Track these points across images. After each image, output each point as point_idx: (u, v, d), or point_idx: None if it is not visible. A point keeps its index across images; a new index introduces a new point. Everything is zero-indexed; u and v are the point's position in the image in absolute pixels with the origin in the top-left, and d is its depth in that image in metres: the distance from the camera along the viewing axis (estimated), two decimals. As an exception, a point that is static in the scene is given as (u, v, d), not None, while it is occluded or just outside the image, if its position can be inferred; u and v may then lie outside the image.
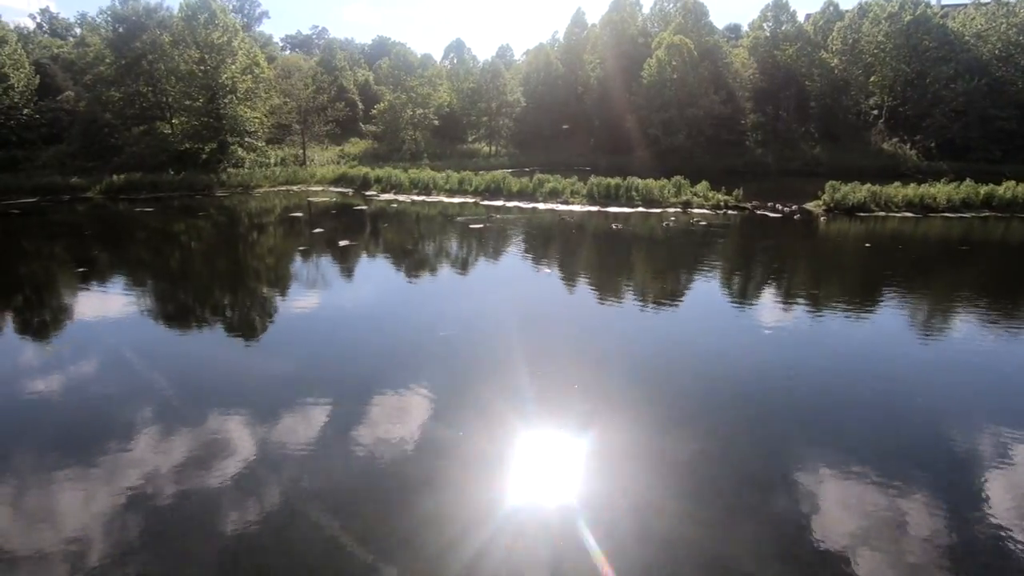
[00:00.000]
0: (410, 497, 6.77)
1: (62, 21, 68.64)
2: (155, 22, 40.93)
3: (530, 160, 49.28)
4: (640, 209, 27.36)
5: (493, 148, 55.03)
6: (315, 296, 15.43)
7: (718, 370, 10.46)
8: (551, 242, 22.30)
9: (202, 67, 38.44)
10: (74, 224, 26.60)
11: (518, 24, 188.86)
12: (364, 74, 65.03)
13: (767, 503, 6.77)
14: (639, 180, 28.98)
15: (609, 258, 20.24)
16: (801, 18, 56.15)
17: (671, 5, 55.53)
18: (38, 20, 68.59)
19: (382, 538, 6.12)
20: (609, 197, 28.48)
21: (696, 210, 27.21)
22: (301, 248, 21.69)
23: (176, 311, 14.69)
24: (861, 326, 12.71)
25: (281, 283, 17.22)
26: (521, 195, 30.24)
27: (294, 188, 37.00)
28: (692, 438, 8.14)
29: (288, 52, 77.78)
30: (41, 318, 14.06)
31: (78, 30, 59.60)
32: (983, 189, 26.94)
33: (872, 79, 51.88)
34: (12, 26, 47.46)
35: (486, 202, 29.94)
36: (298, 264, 19.68)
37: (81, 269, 18.26)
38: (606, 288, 16.34)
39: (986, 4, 50.13)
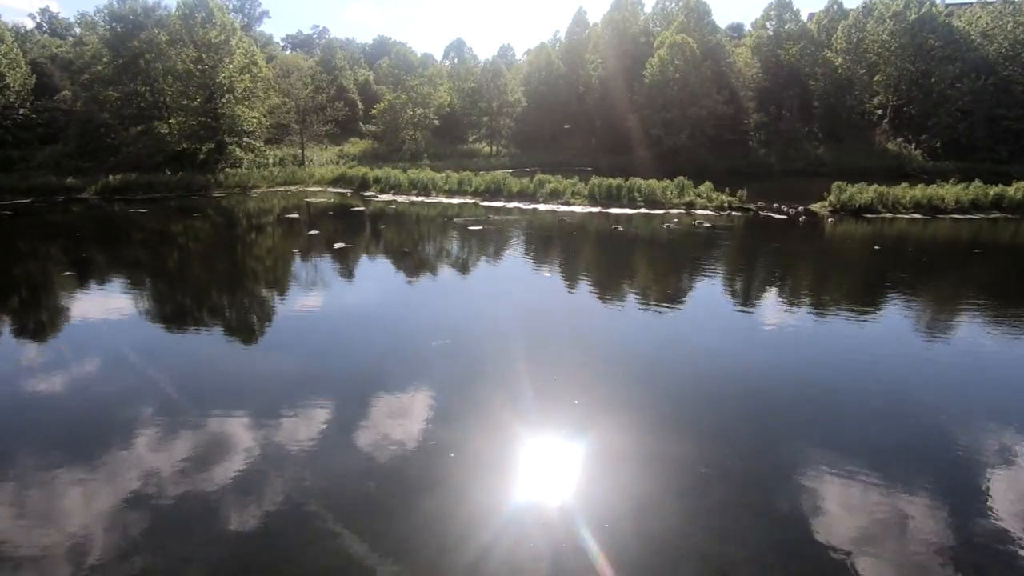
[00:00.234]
0: (411, 497, 6.75)
1: (62, 21, 68.39)
2: (153, 21, 40.58)
3: (531, 160, 48.85)
4: (642, 210, 26.88)
5: (494, 148, 54.59)
6: (303, 301, 14.98)
7: (719, 371, 10.28)
8: (548, 245, 21.79)
9: (199, 66, 38.03)
10: (65, 225, 26.19)
11: (519, 24, 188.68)
12: (364, 74, 64.62)
13: (768, 503, 6.74)
14: (641, 181, 28.50)
15: (606, 262, 19.75)
16: (804, 17, 55.72)
17: (673, 4, 55.00)
18: (38, 20, 68.39)
19: (383, 538, 6.11)
20: (611, 198, 28.01)
21: (700, 211, 26.73)
22: (295, 251, 21.21)
23: (160, 314, 14.24)
24: (878, 331, 12.25)
25: (272, 289, 16.77)
26: (521, 196, 29.77)
27: (292, 189, 36.58)
28: (693, 438, 8.14)
29: (288, 52, 77.39)
30: (20, 324, 13.62)
31: (77, 30, 59.26)
32: (993, 190, 26.39)
33: (876, 78, 51.34)
34: (10, 25, 47.22)
35: (486, 203, 29.49)
36: (291, 268, 19.18)
37: (67, 273, 17.78)
38: (604, 290, 15.88)
39: (992, 2, 49.55)
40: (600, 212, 26.73)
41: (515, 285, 16.47)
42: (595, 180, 28.91)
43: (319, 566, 5.74)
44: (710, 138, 46.86)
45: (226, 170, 37.31)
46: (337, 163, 43.78)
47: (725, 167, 42.40)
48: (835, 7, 55.14)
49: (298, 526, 6.29)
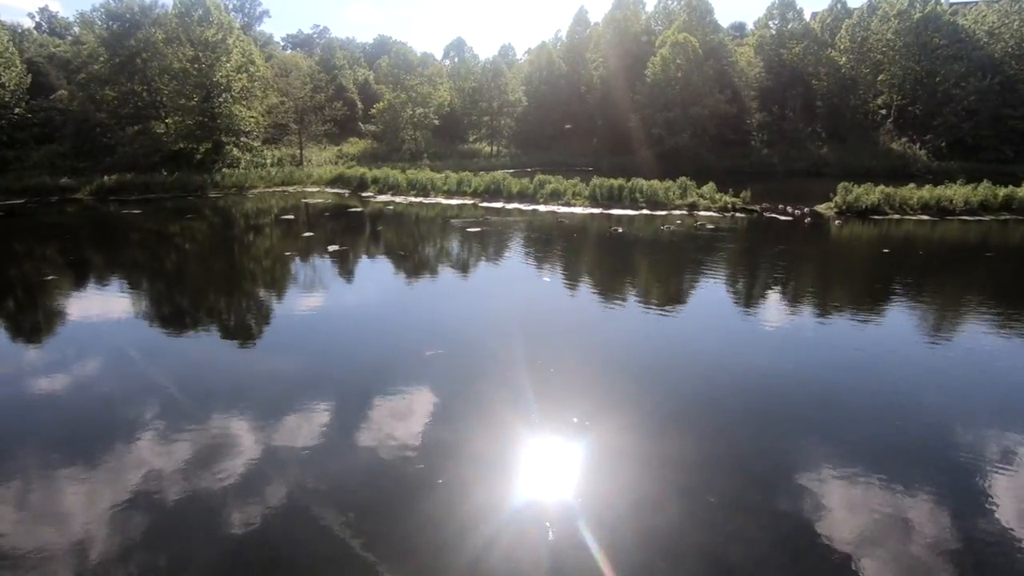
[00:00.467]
0: (411, 498, 6.72)
1: (61, 20, 68.16)
2: (150, 20, 40.22)
3: (532, 160, 48.47)
4: (644, 211, 26.42)
5: (494, 148, 54.19)
6: (295, 303, 14.54)
7: (720, 372, 10.14)
8: (546, 247, 21.29)
9: (196, 65, 37.64)
10: (57, 226, 25.80)
11: (520, 23, 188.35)
12: (364, 73, 64.24)
13: (769, 504, 6.69)
14: (643, 181, 28.03)
15: (602, 266, 19.26)
16: (808, 16, 55.29)
17: (675, 3, 54.55)
18: (37, 19, 68.15)
19: (383, 538, 6.08)
20: (612, 199, 27.54)
21: (702, 212, 26.25)
22: (289, 254, 20.69)
23: (151, 315, 13.81)
24: (883, 334, 11.78)
25: (266, 291, 16.35)
26: (521, 197, 29.32)
27: (290, 189, 36.19)
28: (694, 438, 8.10)
29: (289, 51, 77.01)
30: (16, 325, 13.20)
31: (76, 29, 58.91)
32: (1002, 191, 25.85)
33: (881, 78, 50.85)
34: (8, 24, 46.88)
35: (485, 204, 29.06)
36: (285, 272, 18.74)
37: (50, 277, 17.26)
38: (603, 293, 15.42)
39: (998, 1, 48.96)
40: (601, 213, 26.26)
41: (511, 289, 16.01)
42: (596, 181, 28.46)
43: (320, 566, 5.75)
44: (712, 138, 46.41)
45: (223, 170, 36.96)
46: (336, 163, 43.41)
47: (727, 167, 41.97)
48: (839, 6, 54.65)
49: (298, 526, 6.27)
